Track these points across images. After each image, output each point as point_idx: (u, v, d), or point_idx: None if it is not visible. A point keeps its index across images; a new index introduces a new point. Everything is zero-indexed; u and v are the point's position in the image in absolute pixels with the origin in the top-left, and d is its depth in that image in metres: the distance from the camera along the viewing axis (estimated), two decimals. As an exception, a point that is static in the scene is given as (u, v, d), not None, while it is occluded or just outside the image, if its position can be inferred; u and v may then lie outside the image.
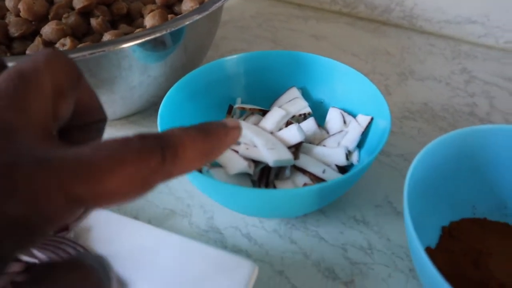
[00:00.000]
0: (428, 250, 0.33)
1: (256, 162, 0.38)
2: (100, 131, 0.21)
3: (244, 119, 0.43)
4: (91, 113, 0.20)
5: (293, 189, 0.30)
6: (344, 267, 0.35)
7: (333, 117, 0.41)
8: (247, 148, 0.38)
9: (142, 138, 0.15)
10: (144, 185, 0.15)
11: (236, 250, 0.36)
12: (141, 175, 0.14)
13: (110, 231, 0.32)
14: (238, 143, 0.38)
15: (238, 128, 0.18)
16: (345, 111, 0.41)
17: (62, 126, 0.19)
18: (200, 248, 0.31)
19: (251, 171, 0.37)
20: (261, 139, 0.38)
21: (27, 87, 0.16)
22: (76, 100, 0.19)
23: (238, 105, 0.43)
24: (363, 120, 0.39)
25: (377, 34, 0.63)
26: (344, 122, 0.40)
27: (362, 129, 0.38)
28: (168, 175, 0.15)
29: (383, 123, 0.36)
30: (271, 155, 0.36)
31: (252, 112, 0.43)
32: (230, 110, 0.43)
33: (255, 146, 0.38)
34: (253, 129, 0.39)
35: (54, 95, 0.17)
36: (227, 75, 0.43)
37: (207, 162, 0.17)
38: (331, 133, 0.40)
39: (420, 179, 0.33)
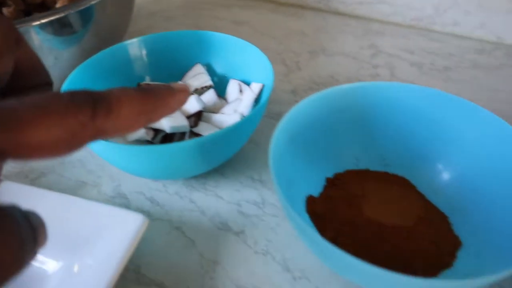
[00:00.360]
0: (310, 198, 0.36)
1: (157, 131, 0.40)
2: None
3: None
4: (33, 76, 0.20)
5: (174, 143, 0.33)
6: (237, 220, 0.38)
7: (232, 87, 0.44)
8: (147, 118, 0.40)
9: (73, 93, 0.14)
10: (72, 140, 0.14)
11: (139, 211, 0.38)
12: (67, 129, 0.14)
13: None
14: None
15: (184, 92, 0.18)
16: (243, 81, 0.44)
17: (3, 89, 0.19)
18: (89, 205, 0.33)
19: (149, 137, 0.39)
20: (161, 109, 0.40)
21: None
22: (16, 62, 0.19)
23: (144, 82, 0.46)
24: (256, 87, 0.42)
25: (295, 18, 0.67)
26: (240, 91, 0.43)
27: (255, 95, 0.41)
28: (100, 132, 0.15)
29: (268, 84, 0.39)
30: (167, 122, 0.39)
31: (160, 88, 0.46)
32: (139, 88, 0.45)
33: (155, 116, 0.41)
34: (154, 101, 0.42)
35: None
36: (133, 56, 0.46)
37: (147, 122, 0.17)
38: (229, 101, 0.44)
39: (297, 133, 0.36)
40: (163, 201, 0.39)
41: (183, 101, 0.18)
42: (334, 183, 0.38)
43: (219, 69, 0.47)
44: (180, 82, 0.19)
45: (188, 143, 0.33)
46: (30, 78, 0.20)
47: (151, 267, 0.34)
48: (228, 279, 0.34)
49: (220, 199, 0.39)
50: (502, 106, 0.50)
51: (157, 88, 0.17)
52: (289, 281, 0.33)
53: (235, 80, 0.44)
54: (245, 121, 0.35)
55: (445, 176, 0.37)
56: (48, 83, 0.21)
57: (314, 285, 0.33)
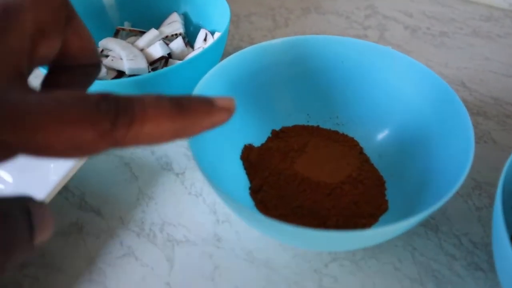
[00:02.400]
0: (247, 147, 0.37)
1: (120, 72, 0.43)
2: (91, 76, 0.20)
3: (127, 40, 0.48)
4: (82, 56, 0.19)
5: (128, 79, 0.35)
6: (180, 162, 0.40)
7: (199, 37, 0.45)
8: (112, 60, 0.42)
9: (101, 98, 0.14)
10: (84, 148, 0.13)
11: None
12: (81, 138, 0.13)
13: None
14: (106, 56, 0.43)
15: (227, 111, 0.16)
16: (213, 31, 0.45)
17: (50, 67, 0.19)
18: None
19: (108, 78, 0.42)
20: (126, 52, 0.42)
21: (7, 22, 0.15)
22: (65, 41, 0.18)
23: (122, 27, 0.48)
24: (217, 36, 0.42)
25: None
26: (205, 39, 0.44)
27: (217, 45, 0.42)
28: (118, 144, 0.14)
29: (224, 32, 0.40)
30: (128, 64, 0.41)
31: (135, 34, 0.48)
32: (116, 33, 0.47)
33: (121, 58, 0.43)
34: (122, 44, 0.44)
35: (35, 34, 0.16)
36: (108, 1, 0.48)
37: (172, 139, 0.15)
38: (195, 50, 0.45)
39: (237, 83, 0.36)
40: (119, 139, 0.42)
41: (222, 122, 0.16)
42: (278, 135, 0.39)
43: (195, 19, 0.48)
44: (226, 97, 0.16)
45: (132, 78, 0.34)
46: (79, 58, 0.19)
47: (94, 195, 0.37)
48: (158, 215, 0.36)
49: (171, 143, 0.41)
50: (488, 76, 0.47)
51: (195, 102, 0.15)
52: (213, 222, 0.35)
53: (204, 30, 0.45)
54: (193, 59, 0.36)
55: (390, 138, 0.37)
56: (96, 64, 0.20)
57: (234, 230, 0.34)
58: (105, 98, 0.14)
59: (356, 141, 0.39)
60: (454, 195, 0.35)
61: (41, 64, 0.18)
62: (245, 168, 0.36)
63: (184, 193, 0.37)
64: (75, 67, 0.19)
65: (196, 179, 0.38)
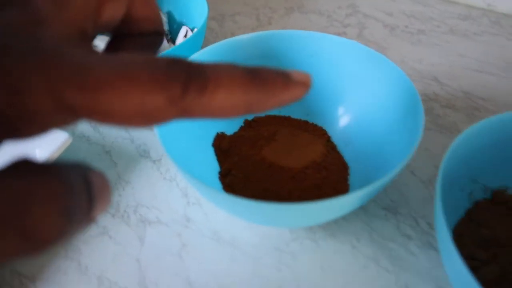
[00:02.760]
0: (219, 135, 0.39)
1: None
2: (154, 45, 0.19)
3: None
4: (146, 24, 0.18)
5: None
6: (158, 150, 0.42)
7: (181, 33, 0.47)
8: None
9: (171, 62, 0.13)
10: (151, 115, 0.12)
11: (82, 135, 0.44)
12: (150, 102, 0.12)
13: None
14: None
15: (304, 85, 0.15)
16: (193, 28, 0.47)
17: (114, 34, 0.18)
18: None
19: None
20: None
21: None
22: (129, 6, 0.17)
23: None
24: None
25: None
26: (185, 36, 0.46)
27: (195, 40, 0.44)
28: (188, 112, 0.13)
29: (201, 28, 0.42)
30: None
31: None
32: (104, 30, 0.50)
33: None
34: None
35: None
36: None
37: (245, 113, 0.14)
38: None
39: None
40: (102, 128, 0.44)
41: (298, 97, 0.15)
42: (250, 125, 0.41)
43: (178, 17, 0.50)
44: (303, 72, 0.15)
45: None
46: (142, 25, 0.18)
47: (75, 181, 0.40)
48: (133, 198, 0.38)
49: (149, 130, 0.43)
50: (460, 71, 0.49)
51: (271, 74, 0.14)
52: (184, 205, 0.37)
53: (185, 27, 0.47)
54: (171, 50, 0.38)
55: (355, 126, 0.38)
56: (160, 33, 0.19)
57: (203, 211, 0.36)
58: (175, 61, 0.13)
59: (324, 130, 0.40)
60: (416, 181, 0.36)
61: (105, 28, 0.17)
62: (216, 155, 0.38)
63: (159, 179, 0.39)
64: (139, 35, 0.18)
65: (171, 165, 0.40)
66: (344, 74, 0.38)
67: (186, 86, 0.12)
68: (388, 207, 0.36)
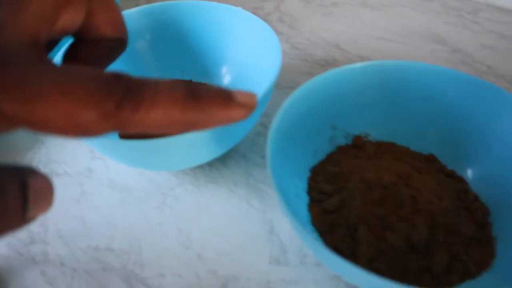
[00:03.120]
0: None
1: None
2: (115, 51, 0.19)
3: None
4: (106, 29, 0.18)
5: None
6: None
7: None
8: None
9: (111, 77, 0.13)
10: (85, 127, 0.13)
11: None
12: (82, 116, 0.13)
13: None
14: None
15: (246, 108, 0.15)
16: None
17: (74, 39, 0.18)
18: None
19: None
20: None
21: None
22: (90, 12, 0.17)
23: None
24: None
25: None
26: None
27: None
28: (122, 127, 0.13)
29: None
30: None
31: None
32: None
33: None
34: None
35: (58, 1, 0.16)
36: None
37: (182, 131, 0.14)
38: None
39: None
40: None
41: (239, 118, 0.15)
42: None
43: None
44: (248, 92, 0.15)
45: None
46: (103, 31, 0.18)
47: (-4, 142, 0.44)
48: (46, 155, 0.42)
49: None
50: (362, 39, 0.53)
51: (212, 94, 0.14)
52: (88, 159, 0.41)
53: None
54: None
55: (235, 83, 0.42)
56: (122, 40, 0.19)
57: (105, 164, 0.41)
58: (116, 77, 0.13)
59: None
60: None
61: (62, 34, 0.17)
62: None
63: (71, 139, 0.43)
64: (100, 41, 0.18)
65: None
66: (227, 37, 0.42)
67: (120, 103, 0.13)
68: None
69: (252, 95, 0.15)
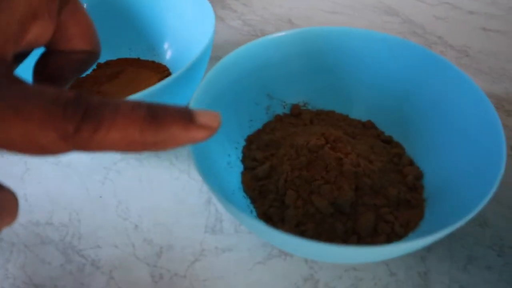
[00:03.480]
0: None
1: None
2: (85, 63, 0.19)
3: None
4: (77, 41, 0.18)
5: None
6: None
7: None
8: None
9: (72, 99, 0.13)
10: (46, 148, 0.13)
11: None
12: (41, 137, 0.13)
13: None
14: None
15: (207, 129, 0.15)
16: None
17: (46, 49, 0.18)
18: None
19: None
20: None
21: None
22: (60, 25, 0.17)
23: None
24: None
25: None
26: None
27: None
28: (82, 147, 0.14)
29: None
30: None
31: None
32: None
33: None
34: None
35: (26, 17, 0.15)
36: None
37: (145, 150, 0.14)
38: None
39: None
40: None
41: (200, 140, 0.15)
42: (100, 66, 0.45)
43: None
44: (211, 112, 0.15)
45: None
46: (74, 43, 0.18)
47: None
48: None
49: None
50: (314, 13, 0.53)
51: (172, 116, 0.14)
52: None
53: None
54: None
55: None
56: (93, 52, 0.19)
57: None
58: (76, 99, 0.13)
59: (165, 67, 0.44)
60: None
61: (31, 47, 0.17)
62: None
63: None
64: (71, 53, 0.18)
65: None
66: (167, 12, 0.42)
67: (78, 125, 0.13)
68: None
69: (214, 115, 0.15)
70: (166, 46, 0.43)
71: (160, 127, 0.14)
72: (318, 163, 0.30)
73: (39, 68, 0.19)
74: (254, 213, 0.31)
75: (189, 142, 0.15)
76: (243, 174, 0.33)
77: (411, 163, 0.34)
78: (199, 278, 0.31)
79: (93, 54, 0.19)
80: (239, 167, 0.34)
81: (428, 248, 0.32)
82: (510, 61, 0.46)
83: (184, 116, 0.15)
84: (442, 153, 0.32)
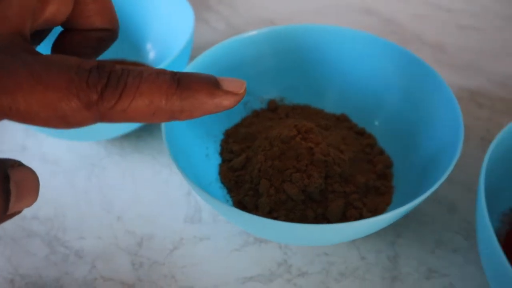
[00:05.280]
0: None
1: None
2: (105, 42, 0.19)
3: None
4: (96, 19, 0.18)
5: None
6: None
7: None
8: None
9: (95, 66, 0.13)
10: (68, 118, 0.13)
11: None
12: (64, 106, 0.13)
13: None
14: None
15: (234, 96, 0.15)
16: None
17: (64, 27, 0.18)
18: None
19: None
20: None
21: None
22: (77, 1, 0.17)
23: None
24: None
25: None
26: None
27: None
28: (106, 117, 0.13)
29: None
30: None
31: None
32: None
33: None
34: None
35: None
36: None
37: (171, 119, 0.14)
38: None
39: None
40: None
41: (227, 107, 0.15)
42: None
43: None
44: (237, 79, 0.15)
45: None
46: (93, 20, 0.18)
47: None
48: (-16, 135, 0.44)
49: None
50: (295, 15, 0.54)
51: (198, 82, 0.14)
52: (23, 137, 0.43)
53: None
54: None
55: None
56: (112, 29, 0.19)
57: (39, 140, 0.42)
58: (99, 66, 0.13)
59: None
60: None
61: (50, 24, 0.17)
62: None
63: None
64: (89, 31, 0.18)
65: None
66: (149, 13, 0.44)
67: (102, 92, 0.13)
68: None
69: (240, 82, 0.15)
70: (149, 46, 0.44)
71: (186, 93, 0.14)
72: (290, 153, 0.32)
73: (57, 48, 0.18)
74: (230, 202, 0.33)
75: (216, 109, 0.14)
76: (221, 166, 0.35)
77: (382, 152, 0.35)
78: (177, 265, 0.32)
79: (112, 32, 0.19)
80: (217, 160, 0.35)
81: (398, 234, 0.33)
82: (484, 57, 0.47)
83: (210, 82, 0.14)
84: (410, 143, 0.34)
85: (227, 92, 0.14)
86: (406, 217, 0.34)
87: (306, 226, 0.24)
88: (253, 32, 0.36)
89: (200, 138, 0.34)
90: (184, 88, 0.14)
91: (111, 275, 0.32)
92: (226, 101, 0.14)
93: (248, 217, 0.25)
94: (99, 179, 0.38)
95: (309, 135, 0.33)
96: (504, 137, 0.28)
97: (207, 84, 0.14)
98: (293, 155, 0.32)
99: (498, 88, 0.44)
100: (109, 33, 0.19)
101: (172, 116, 0.14)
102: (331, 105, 0.39)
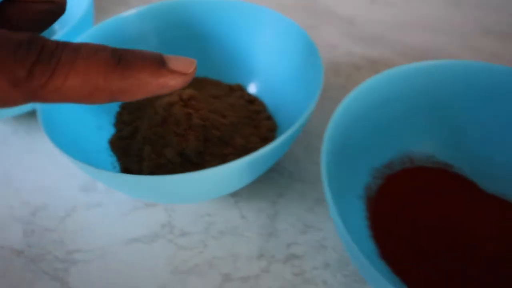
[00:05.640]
0: None
1: None
2: (48, 14, 0.17)
3: None
4: None
5: None
6: None
7: None
8: None
9: (24, 41, 0.12)
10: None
11: None
12: None
13: None
14: None
15: (181, 76, 0.13)
16: None
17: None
18: None
19: None
20: None
21: None
22: None
23: None
24: None
25: None
26: None
27: None
28: (38, 96, 0.12)
29: None
30: None
31: None
32: None
33: None
34: None
35: None
36: None
37: (112, 100, 0.13)
38: None
39: None
40: None
41: (173, 87, 0.13)
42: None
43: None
44: (186, 58, 0.14)
45: None
46: None
47: None
48: None
49: None
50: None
51: (140, 60, 0.13)
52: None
53: None
54: None
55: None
56: (57, 2, 0.17)
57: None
58: (31, 40, 0.12)
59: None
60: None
61: None
62: None
63: None
64: (32, 2, 0.16)
65: None
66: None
67: (32, 69, 0.11)
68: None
69: (189, 61, 0.14)
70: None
71: (127, 72, 0.13)
72: (171, 120, 0.33)
73: None
74: (118, 169, 0.34)
75: (161, 89, 0.13)
76: (112, 135, 0.36)
77: (269, 118, 0.37)
78: (67, 231, 0.33)
79: (58, 4, 0.17)
80: (111, 131, 0.36)
81: (280, 194, 0.35)
82: (389, 29, 0.49)
83: (155, 61, 0.13)
84: (291, 108, 0.35)
85: (174, 72, 0.13)
86: (290, 177, 0.35)
87: (171, 177, 0.24)
88: (137, 9, 0.37)
89: (92, 110, 0.35)
90: (126, 66, 0.13)
91: (2, 243, 0.33)
92: (173, 81, 0.13)
93: (112, 176, 0.25)
94: (1, 156, 0.39)
95: (190, 102, 0.34)
96: (349, 102, 0.29)
97: (151, 62, 0.13)
98: (173, 121, 0.33)
99: (399, 57, 0.46)
100: (54, 5, 0.17)
101: (112, 97, 0.13)
102: (227, 77, 0.40)
